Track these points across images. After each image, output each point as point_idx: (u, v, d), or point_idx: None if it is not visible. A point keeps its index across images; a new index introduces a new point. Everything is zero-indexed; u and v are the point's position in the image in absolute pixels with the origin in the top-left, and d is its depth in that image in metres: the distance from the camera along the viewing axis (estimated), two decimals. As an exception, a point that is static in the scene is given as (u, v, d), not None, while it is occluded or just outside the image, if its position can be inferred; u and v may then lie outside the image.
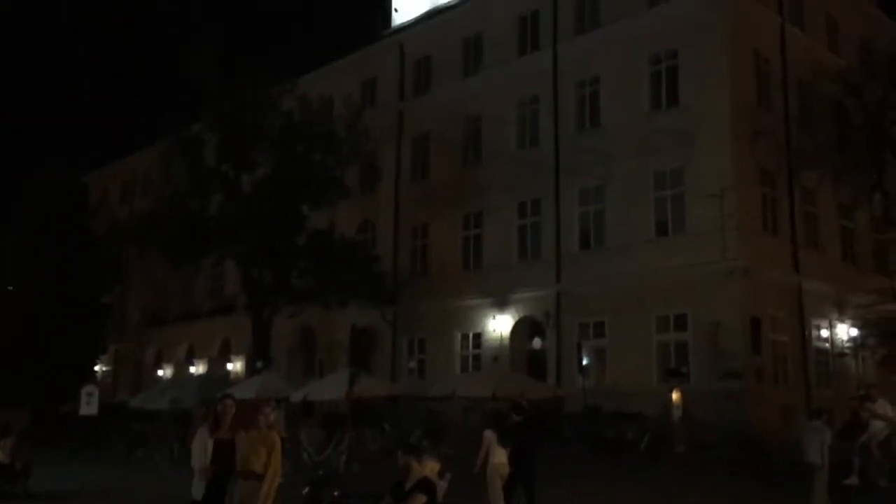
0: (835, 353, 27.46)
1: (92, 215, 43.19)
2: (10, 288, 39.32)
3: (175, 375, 42.72)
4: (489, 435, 12.05)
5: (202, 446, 8.46)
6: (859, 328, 26.92)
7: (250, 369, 33.21)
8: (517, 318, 29.70)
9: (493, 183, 30.96)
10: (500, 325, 29.92)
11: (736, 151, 24.86)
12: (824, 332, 27.29)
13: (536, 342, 29.32)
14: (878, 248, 28.08)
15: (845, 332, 27.49)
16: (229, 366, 40.45)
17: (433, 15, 38.87)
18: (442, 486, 8.91)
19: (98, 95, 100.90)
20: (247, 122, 29.40)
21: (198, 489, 8.38)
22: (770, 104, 27.01)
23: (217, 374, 38.84)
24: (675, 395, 22.65)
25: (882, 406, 15.29)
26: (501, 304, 29.94)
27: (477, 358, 30.81)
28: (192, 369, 42.60)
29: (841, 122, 26.27)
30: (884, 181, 24.97)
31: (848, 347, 27.38)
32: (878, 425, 15.14)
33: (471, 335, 31.20)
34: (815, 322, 26.82)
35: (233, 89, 29.08)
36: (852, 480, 14.77)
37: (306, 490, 10.80)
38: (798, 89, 27.79)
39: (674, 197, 26.06)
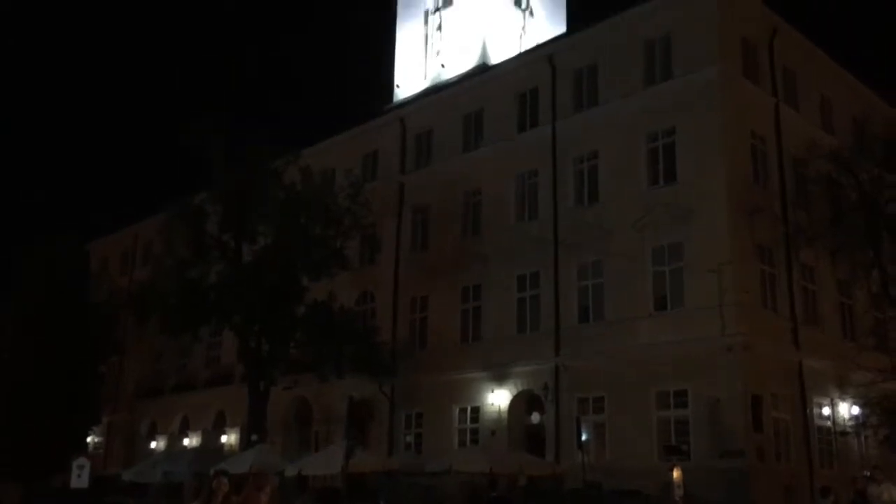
0: (837, 431, 27.13)
1: (91, 284, 43.20)
2: (5, 356, 39.04)
3: (168, 447, 42.07)
4: None
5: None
6: (861, 407, 26.66)
7: (245, 442, 32.75)
8: (515, 392, 29.45)
9: (493, 256, 31.12)
10: (498, 398, 29.65)
11: (733, 227, 25.07)
12: (826, 411, 27.02)
13: (535, 417, 28.99)
14: (878, 326, 28.02)
15: (847, 410, 27.22)
16: (224, 438, 39.88)
17: (434, 91, 39.77)
18: None
19: (101, 165, 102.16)
20: (249, 194, 29.74)
21: None
22: (766, 181, 27.36)
23: (211, 447, 38.28)
24: (675, 473, 22.24)
25: (888, 489, 15.05)
26: (500, 378, 29.72)
27: (475, 432, 30.44)
28: (186, 441, 41.99)
29: (837, 200, 26.56)
30: (881, 258, 25.09)
31: (850, 426, 27.07)
32: (883, 507, 14.88)
33: (468, 409, 30.88)
34: (816, 400, 26.58)
35: (237, 161, 29.50)
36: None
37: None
38: (793, 167, 28.18)
39: (672, 272, 26.15)
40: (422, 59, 47.44)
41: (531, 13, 47.38)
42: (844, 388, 27.10)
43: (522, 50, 40.48)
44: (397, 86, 47.83)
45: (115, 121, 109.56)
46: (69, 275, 39.83)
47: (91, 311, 40.10)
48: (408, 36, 48.60)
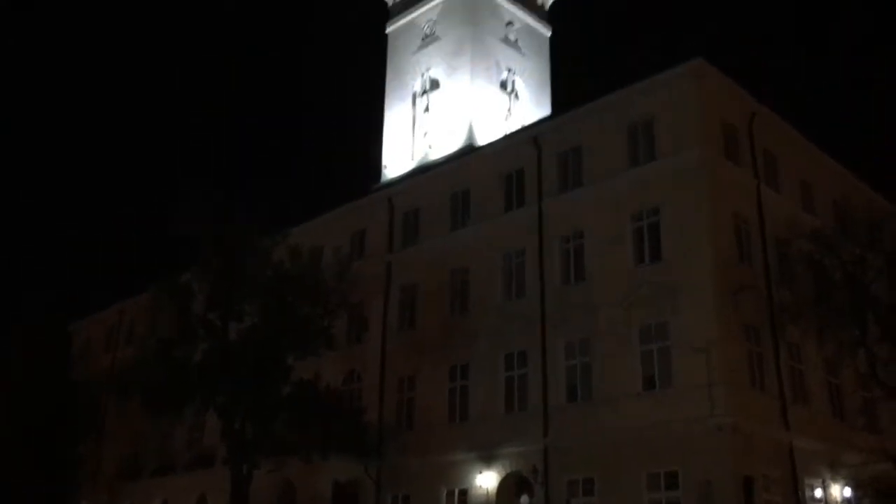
0: (830, 513, 26.72)
1: (74, 363, 42.63)
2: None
3: (147, 533, 40.79)
4: None
5: None
6: (853, 488, 26.34)
7: (226, 527, 31.80)
8: (504, 474, 28.94)
9: (480, 334, 31.03)
10: (486, 480, 29.10)
11: (719, 306, 25.19)
12: (818, 493, 26.64)
13: (524, 500, 28.36)
14: (867, 406, 27.93)
15: (839, 492, 26.87)
16: (205, 523, 38.76)
17: (421, 171, 40.32)
18: None
19: (86, 243, 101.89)
20: (237, 272, 29.71)
21: None
22: (751, 260, 27.64)
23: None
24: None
25: None
26: (488, 459, 29.24)
27: (463, 516, 29.77)
28: (166, 526, 40.74)
29: (821, 279, 26.80)
30: (867, 338, 25.18)
31: (843, 508, 26.68)
32: None
33: (456, 492, 30.25)
34: (808, 481, 26.25)
35: (225, 239, 29.58)
36: None
37: None
38: (777, 247, 28.53)
39: (660, 350, 26.12)
40: (409, 140, 48.26)
41: (516, 96, 48.53)
42: (836, 469, 26.82)
43: (508, 131, 41.30)
44: (385, 166, 48.49)
45: (101, 198, 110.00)
46: (51, 354, 39.34)
47: (72, 390, 39.44)
48: (396, 117, 49.54)
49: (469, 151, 39.12)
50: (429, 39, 49.11)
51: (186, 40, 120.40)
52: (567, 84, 52.55)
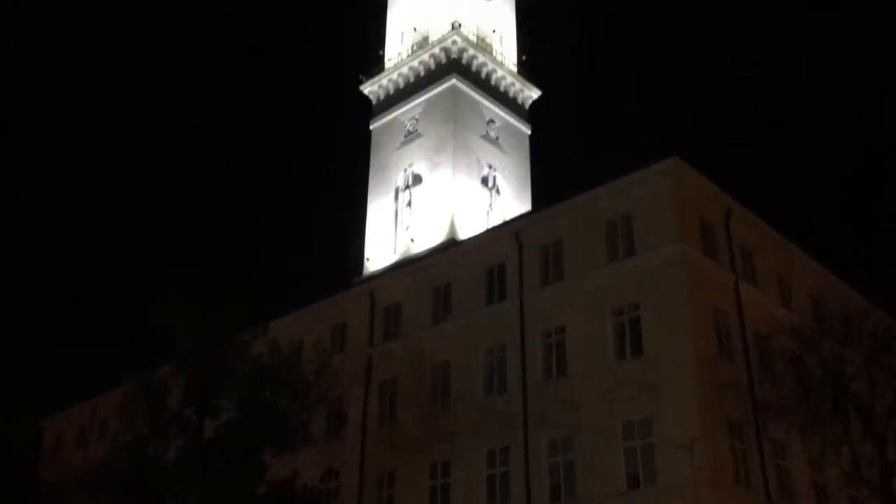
0: None
1: (44, 461, 41.38)
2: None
3: None
4: None
5: None
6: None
7: None
8: (486, 578, 27.99)
9: (462, 431, 30.55)
10: (468, 585, 28.10)
11: (702, 402, 25.04)
12: None
13: None
14: (853, 504, 27.48)
15: None
16: None
17: (404, 265, 40.48)
18: None
19: (59, 338, 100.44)
20: (215, 367, 29.31)
21: None
22: (732, 356, 27.66)
23: None
24: None
25: None
26: (469, 562, 28.32)
27: None
28: None
29: (802, 376, 26.80)
30: (850, 436, 25.00)
31: None
32: None
33: None
34: (797, 584, 25.56)
35: (203, 333, 29.31)
36: None
37: None
38: (757, 342, 28.61)
39: (643, 447, 25.77)
40: (392, 234, 48.70)
41: (497, 191, 49.37)
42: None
43: (490, 226, 41.80)
44: (368, 259, 48.75)
45: (76, 289, 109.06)
46: (20, 452, 38.21)
47: (41, 490, 38.13)
48: (379, 211, 50.11)
49: (451, 246, 39.45)
50: (412, 136, 50.20)
51: (167, 127, 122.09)
52: (547, 180, 53.71)
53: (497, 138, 50.87)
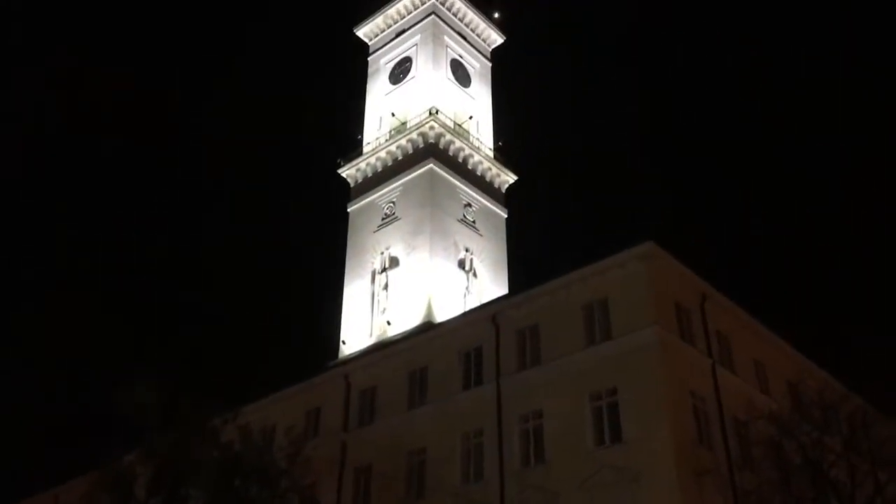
0: None
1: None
2: None
3: None
4: None
5: None
6: None
7: None
8: None
9: (437, 520, 29.71)
10: None
11: (682, 490, 24.62)
12: None
13: None
14: None
15: None
16: None
17: (380, 348, 40.05)
18: None
19: (22, 425, 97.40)
20: (183, 455, 28.48)
21: None
22: (711, 443, 27.36)
23: None
24: None
25: None
26: None
27: None
28: None
29: (781, 462, 26.51)
30: (832, 524, 24.62)
31: None
32: None
33: None
34: None
35: (171, 421, 28.59)
36: None
37: None
38: (736, 428, 28.39)
39: (624, 538, 25.16)
40: (368, 317, 48.40)
41: (475, 274, 49.45)
42: None
43: (467, 309, 41.66)
44: (343, 342, 48.27)
45: (36, 375, 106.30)
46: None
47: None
48: (355, 294, 49.90)
49: (428, 329, 39.18)
50: (389, 219, 50.50)
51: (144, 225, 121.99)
52: (524, 263, 54.01)
53: (474, 222, 51.30)
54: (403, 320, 45.54)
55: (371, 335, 47.20)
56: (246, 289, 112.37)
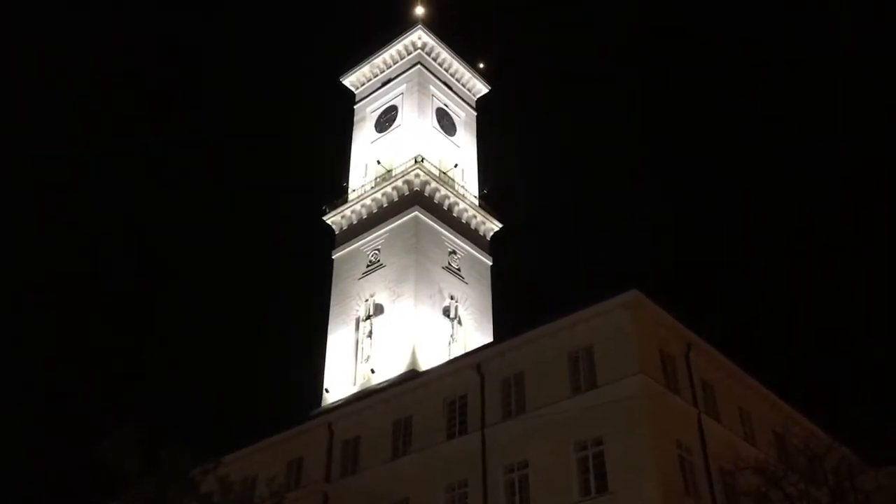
0: None
1: None
2: None
3: None
4: None
5: None
6: None
7: None
8: None
9: (421, 574, 29.12)
10: None
11: (669, 543, 24.28)
12: None
13: None
14: None
15: None
16: None
17: (363, 396, 39.63)
18: None
19: (3, 476, 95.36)
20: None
21: None
22: (698, 494, 27.09)
23: None
24: None
25: None
26: None
27: None
28: None
29: (769, 513, 26.29)
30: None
31: None
32: None
33: None
34: None
35: (150, 472, 28.03)
36: None
37: None
38: (722, 479, 28.14)
39: (610, 593, 24.72)
40: (352, 365, 48.04)
41: (459, 322, 49.32)
42: None
43: (451, 357, 41.44)
44: (327, 390, 47.80)
45: (15, 425, 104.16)
46: None
47: None
48: (339, 342, 49.58)
49: (412, 377, 38.82)
50: (374, 266, 50.45)
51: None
52: (509, 310, 53.88)
53: (459, 269, 51.32)
54: (388, 368, 45.21)
55: (355, 383, 46.80)
56: (227, 336, 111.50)
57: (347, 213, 53.88)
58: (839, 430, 27.41)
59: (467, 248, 52.75)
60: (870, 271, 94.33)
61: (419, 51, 58.93)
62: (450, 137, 57.73)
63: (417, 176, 51.91)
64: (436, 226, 51.26)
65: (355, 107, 60.76)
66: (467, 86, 61.86)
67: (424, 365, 43.24)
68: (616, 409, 26.95)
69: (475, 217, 54.44)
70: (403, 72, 58.78)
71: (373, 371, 46.07)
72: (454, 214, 53.24)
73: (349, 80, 61.68)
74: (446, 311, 49.03)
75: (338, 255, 53.22)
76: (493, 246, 55.18)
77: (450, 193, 53.25)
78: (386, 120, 57.80)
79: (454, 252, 51.69)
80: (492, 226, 55.29)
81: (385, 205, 52.43)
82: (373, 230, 51.87)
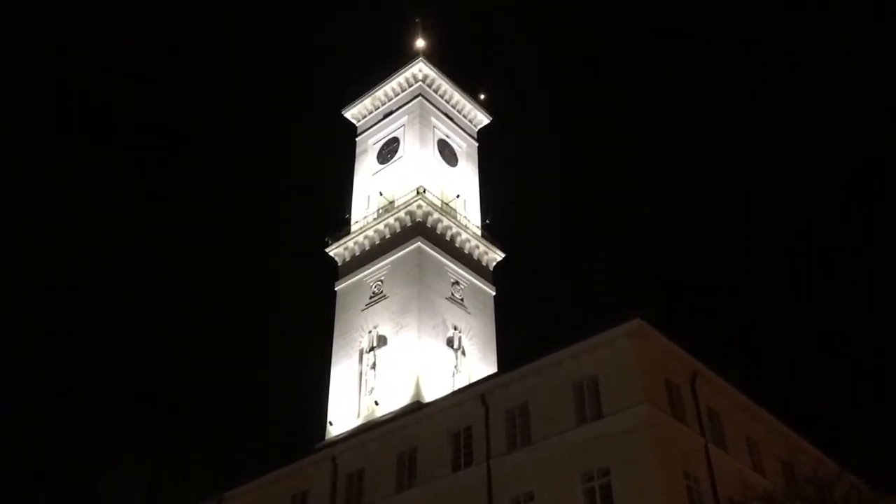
0: None
1: None
2: None
3: None
4: None
5: None
6: None
7: None
8: None
9: None
10: None
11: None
12: None
13: None
14: None
15: None
16: None
17: (367, 429, 39.38)
18: None
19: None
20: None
21: None
22: (706, 524, 26.80)
23: None
24: None
25: None
26: None
27: None
28: None
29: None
30: None
31: None
32: None
33: None
34: None
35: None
36: None
37: None
38: (731, 509, 27.87)
39: None
40: (356, 397, 47.80)
41: (463, 352, 49.12)
42: None
43: (456, 388, 41.22)
44: (330, 423, 47.53)
45: (13, 461, 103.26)
46: None
47: None
48: (342, 374, 49.38)
49: (416, 408, 38.62)
50: (377, 298, 50.39)
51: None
52: (513, 340, 53.67)
53: (462, 300, 51.24)
54: (391, 400, 44.98)
55: (359, 416, 46.52)
56: (230, 369, 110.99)
57: (350, 244, 53.95)
58: (848, 457, 27.15)
59: (470, 278, 52.72)
60: (875, 284, 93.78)
61: (420, 83, 59.40)
62: (451, 168, 57.97)
63: (420, 207, 52.04)
64: (438, 256, 51.27)
65: (357, 139, 61.12)
66: (468, 117, 62.26)
67: (428, 396, 43.02)
68: (622, 440, 26.75)
69: (478, 247, 54.47)
70: (405, 104, 59.20)
71: (377, 403, 45.82)
72: (457, 245, 53.28)
73: (351, 113, 62.11)
74: (450, 342, 48.87)
75: (340, 286, 53.19)
76: (496, 275, 55.14)
77: (452, 224, 53.35)
78: (388, 151, 58.10)
79: (457, 282, 51.65)
80: (494, 256, 55.30)
81: (387, 236, 52.51)
82: (375, 261, 51.90)
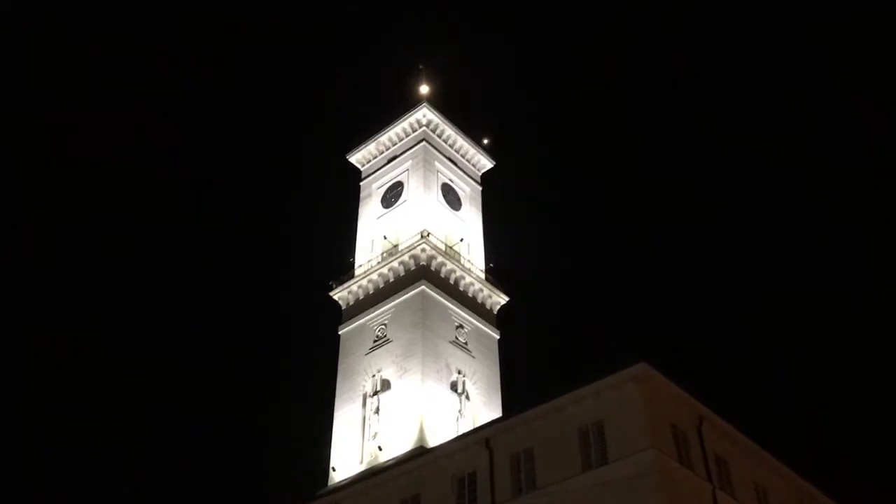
0: None
1: None
2: None
3: None
4: None
5: None
6: None
7: None
8: None
9: None
10: None
11: None
12: None
13: None
14: None
15: None
16: None
17: (371, 475, 38.98)
18: None
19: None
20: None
21: None
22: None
23: None
24: None
25: None
26: None
27: None
28: None
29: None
30: None
31: None
32: None
33: None
34: None
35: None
36: None
37: None
38: (740, 557, 27.43)
39: None
40: (359, 442, 47.39)
41: (467, 397, 48.80)
42: None
43: (460, 432, 40.87)
44: (333, 468, 47.06)
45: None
46: None
47: None
48: (345, 418, 49.02)
49: (420, 453, 38.26)
50: (381, 342, 50.24)
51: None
52: (517, 385, 53.31)
53: (466, 343, 51.06)
54: (395, 445, 44.57)
55: (362, 461, 46.07)
56: (231, 414, 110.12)
57: (354, 288, 53.97)
58: (856, 503, 26.78)
59: (474, 321, 52.59)
60: (884, 327, 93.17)
61: (424, 128, 59.98)
62: (455, 212, 58.23)
63: (423, 251, 52.16)
64: (442, 300, 51.22)
65: (361, 183, 61.53)
66: (472, 161, 62.73)
67: (432, 441, 42.65)
68: (629, 486, 26.45)
69: (482, 291, 54.44)
70: (409, 148, 59.70)
71: (380, 448, 45.40)
72: (461, 288, 53.27)
73: (355, 158, 62.62)
74: (454, 386, 48.58)
75: (344, 330, 53.07)
76: (500, 319, 55.01)
77: (456, 268, 53.40)
78: (392, 196, 58.43)
79: (461, 326, 51.52)
80: (498, 299, 55.23)
81: (391, 280, 52.54)
82: (379, 305, 51.84)
